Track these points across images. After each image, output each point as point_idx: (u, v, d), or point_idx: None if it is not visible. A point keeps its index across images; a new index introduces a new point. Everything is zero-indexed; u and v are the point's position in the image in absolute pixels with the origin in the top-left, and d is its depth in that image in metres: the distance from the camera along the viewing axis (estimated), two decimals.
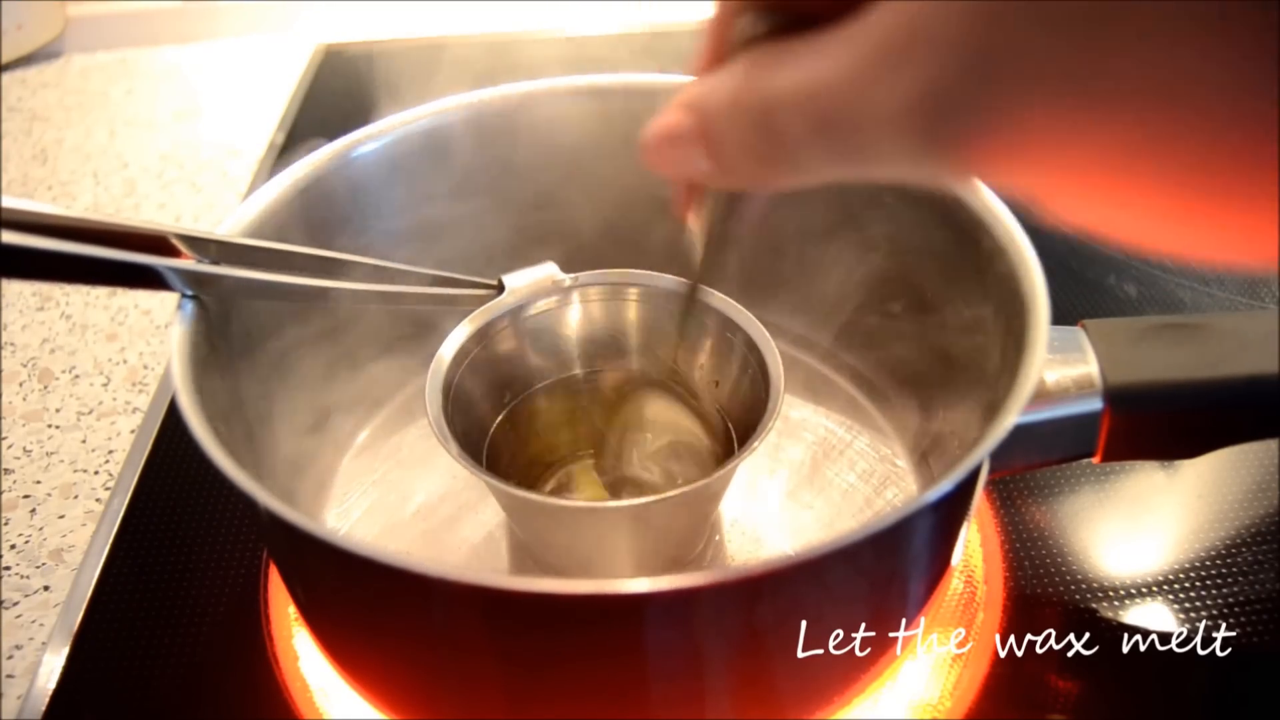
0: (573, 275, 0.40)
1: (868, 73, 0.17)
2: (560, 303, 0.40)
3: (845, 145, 0.18)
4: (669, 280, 0.39)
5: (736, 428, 0.38)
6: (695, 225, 0.28)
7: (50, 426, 0.52)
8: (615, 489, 0.39)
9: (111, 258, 0.30)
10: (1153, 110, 0.15)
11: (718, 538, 0.40)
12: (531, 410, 0.40)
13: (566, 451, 0.41)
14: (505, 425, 0.39)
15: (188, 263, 0.32)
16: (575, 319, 0.40)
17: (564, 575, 0.38)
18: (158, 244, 0.31)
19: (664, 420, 0.40)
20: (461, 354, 0.37)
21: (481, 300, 0.39)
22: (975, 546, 0.41)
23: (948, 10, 0.16)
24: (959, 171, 0.17)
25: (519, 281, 0.39)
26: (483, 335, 0.38)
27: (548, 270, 0.40)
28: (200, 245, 0.33)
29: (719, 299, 0.38)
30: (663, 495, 0.34)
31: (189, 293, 0.32)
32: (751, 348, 0.37)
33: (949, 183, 0.18)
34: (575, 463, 0.40)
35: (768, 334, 0.37)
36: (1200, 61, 0.14)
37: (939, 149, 0.17)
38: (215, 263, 0.33)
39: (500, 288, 0.39)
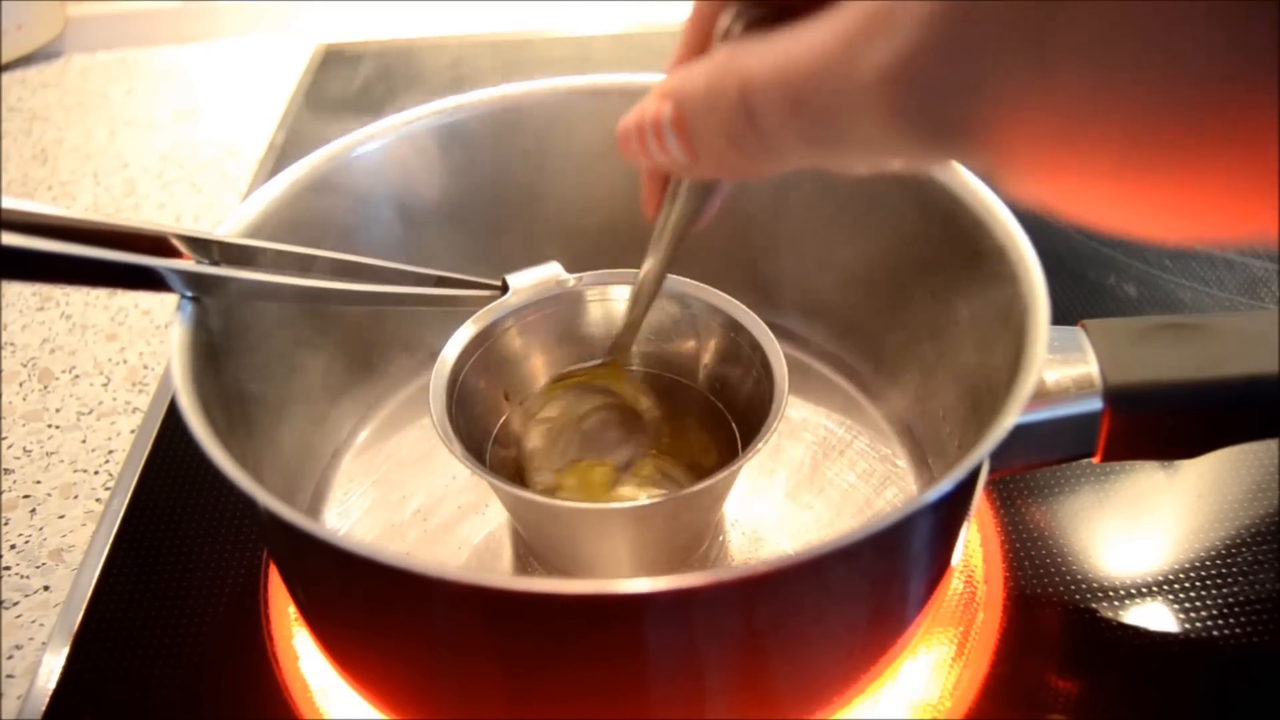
0: (577, 275, 0.40)
1: (840, 49, 0.17)
2: (564, 302, 0.40)
3: (820, 124, 0.18)
4: (673, 280, 0.39)
5: (740, 427, 0.38)
6: (660, 223, 0.28)
7: (50, 426, 0.52)
8: (619, 490, 0.39)
9: (111, 259, 0.30)
10: (1116, 76, 0.14)
11: (721, 538, 0.40)
12: (534, 409, 0.40)
13: (570, 451, 0.41)
14: (509, 423, 0.39)
15: (188, 264, 0.32)
16: (579, 319, 0.40)
17: (568, 576, 0.38)
18: (158, 245, 0.31)
19: (668, 420, 0.40)
20: (465, 354, 0.37)
21: (484, 301, 0.39)
22: (975, 546, 0.41)
23: None
24: (932, 148, 0.17)
25: (523, 281, 0.39)
26: (486, 335, 0.38)
27: (552, 270, 0.40)
28: (200, 246, 0.33)
29: (723, 299, 0.38)
30: (667, 496, 0.34)
31: (189, 294, 0.32)
32: (755, 347, 0.37)
33: (923, 163, 0.18)
34: (579, 463, 0.40)
35: (771, 334, 0.37)
36: (1171, 22, 0.14)
37: (912, 124, 0.17)
38: (216, 264, 0.33)
39: (504, 287, 0.39)
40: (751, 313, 0.37)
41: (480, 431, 0.38)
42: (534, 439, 0.40)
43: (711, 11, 0.22)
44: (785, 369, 0.35)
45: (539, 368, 0.40)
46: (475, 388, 0.38)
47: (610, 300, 0.40)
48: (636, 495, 0.38)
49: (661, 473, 0.39)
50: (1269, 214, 0.15)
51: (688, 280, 0.38)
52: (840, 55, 0.17)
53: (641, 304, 0.36)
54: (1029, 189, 0.17)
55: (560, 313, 0.40)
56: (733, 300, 0.38)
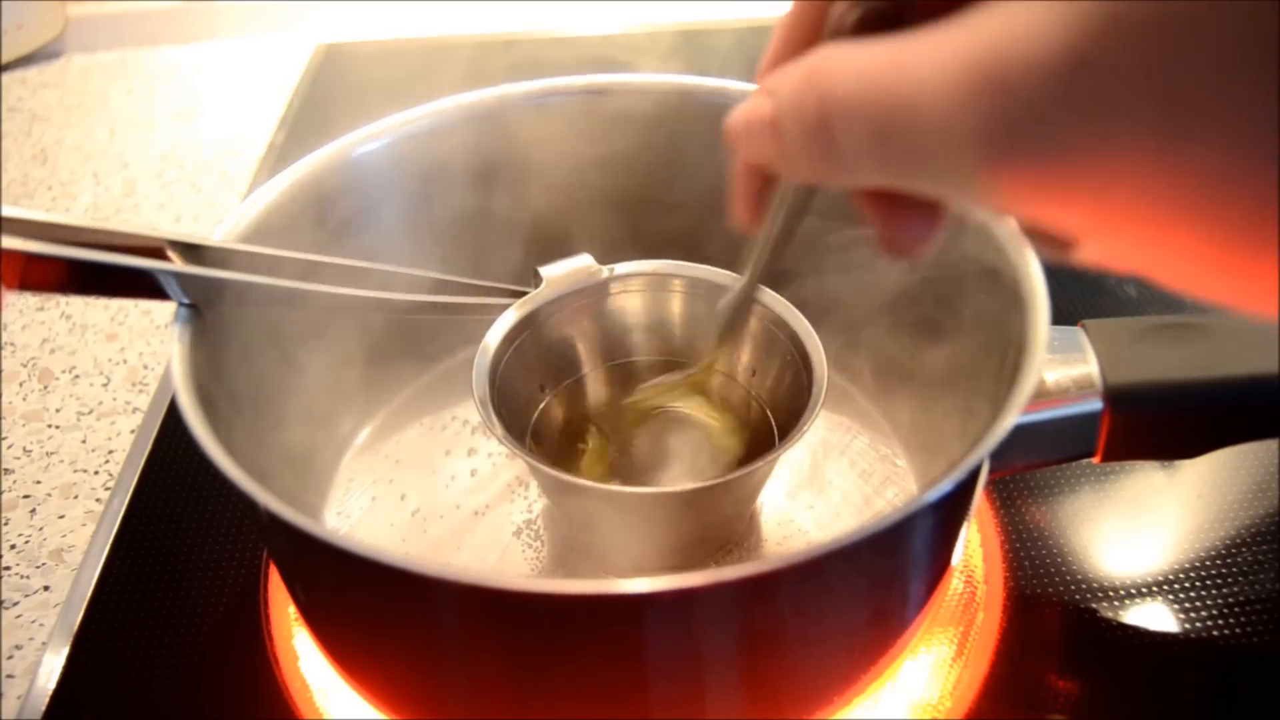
0: (609, 266, 0.40)
1: (944, 89, 0.16)
2: (598, 293, 0.40)
3: (902, 160, 0.17)
4: (706, 271, 0.39)
5: (776, 418, 0.38)
6: (753, 223, 0.27)
7: (50, 426, 0.52)
8: (655, 476, 0.39)
9: (109, 262, 0.30)
10: (1252, 152, 0.14)
11: (755, 535, 0.40)
12: (572, 398, 0.41)
13: (607, 439, 0.41)
14: (546, 412, 0.40)
15: (187, 268, 0.32)
16: (613, 309, 0.40)
17: (605, 561, 0.39)
18: (154, 253, 0.31)
19: (703, 410, 0.40)
20: (506, 341, 0.38)
21: (497, 310, 0.39)
22: (975, 546, 0.41)
23: (1046, 25, 0.15)
24: (1021, 203, 0.16)
25: (556, 272, 0.39)
26: (527, 323, 0.39)
27: (584, 261, 0.40)
28: (198, 253, 0.33)
29: (762, 291, 0.38)
30: (708, 482, 0.34)
31: (186, 301, 0.32)
32: (795, 340, 0.37)
33: (988, 209, 0.17)
34: (615, 450, 0.41)
35: (810, 326, 0.37)
36: None
37: (1009, 178, 0.16)
38: (214, 269, 0.33)
39: (538, 279, 0.39)
40: (790, 305, 0.38)
41: (520, 418, 0.38)
42: (571, 426, 0.41)
43: (822, 3, 0.21)
44: (825, 361, 0.36)
45: (576, 357, 0.41)
46: (515, 375, 0.38)
47: (643, 291, 0.40)
48: (671, 482, 0.38)
49: (697, 461, 0.40)
50: None
51: (726, 272, 0.39)
52: (942, 95, 0.16)
53: (736, 316, 0.36)
54: (1128, 255, 0.16)
55: (596, 304, 0.40)
56: (772, 293, 0.38)
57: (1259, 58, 0.13)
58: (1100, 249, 0.17)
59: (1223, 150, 0.14)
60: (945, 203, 0.21)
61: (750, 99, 0.21)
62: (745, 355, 0.40)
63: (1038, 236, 0.20)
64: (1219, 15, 0.14)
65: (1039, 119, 0.15)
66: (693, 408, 0.41)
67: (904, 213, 0.21)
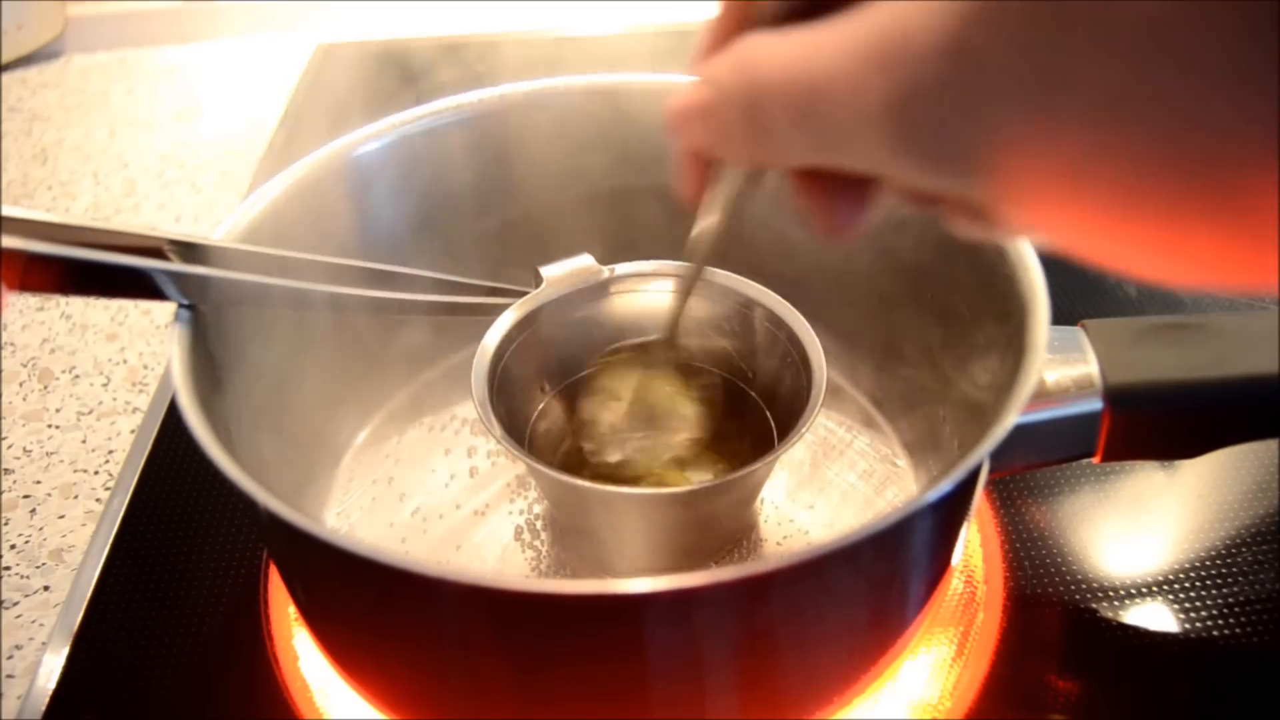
0: (609, 266, 0.40)
1: (850, 71, 0.17)
2: (599, 293, 0.40)
3: (822, 137, 0.19)
4: (707, 271, 0.39)
5: (775, 417, 0.38)
6: (689, 197, 0.27)
7: (50, 426, 0.52)
8: (655, 477, 0.39)
9: (108, 262, 0.30)
10: (1119, 126, 0.15)
11: (757, 529, 0.40)
12: (572, 399, 0.41)
13: (606, 440, 0.41)
14: (545, 413, 0.40)
15: (185, 268, 0.32)
16: (613, 309, 0.40)
17: (604, 562, 0.39)
18: (153, 253, 0.31)
19: (703, 409, 0.41)
20: (506, 341, 0.38)
21: (498, 310, 0.39)
22: (975, 546, 0.41)
23: (933, 14, 0.16)
24: (932, 175, 0.18)
25: (557, 272, 0.39)
26: (526, 324, 0.39)
27: (584, 261, 0.40)
28: (197, 253, 0.33)
29: (760, 291, 0.38)
30: (707, 483, 0.34)
31: (184, 302, 0.32)
32: (794, 341, 0.37)
33: (925, 185, 0.18)
34: (615, 451, 0.41)
35: (809, 325, 0.37)
36: (1182, 74, 0.14)
37: (913, 153, 0.17)
38: (213, 269, 0.33)
39: (538, 279, 0.39)
40: (789, 305, 0.38)
41: (519, 418, 0.38)
42: (571, 426, 0.40)
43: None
44: (824, 360, 0.36)
45: (576, 358, 0.41)
46: (514, 375, 0.38)
47: (644, 291, 0.40)
48: (672, 483, 0.38)
49: (697, 461, 0.40)
50: (1269, 267, 0.15)
51: (727, 273, 0.39)
52: (848, 75, 0.17)
53: (685, 284, 0.36)
54: (1029, 225, 0.18)
55: (596, 304, 0.40)
56: (770, 292, 0.38)
57: (1126, 40, 0.14)
58: (1013, 220, 0.18)
59: (1096, 125, 0.15)
60: (873, 185, 0.22)
61: (687, 88, 0.22)
62: (745, 354, 0.40)
63: (957, 210, 0.21)
64: (1091, 10, 0.14)
65: (928, 98, 0.16)
66: (693, 409, 0.41)
67: (834, 195, 0.22)
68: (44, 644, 0.39)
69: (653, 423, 0.42)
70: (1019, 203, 0.17)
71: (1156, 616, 0.38)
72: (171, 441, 0.48)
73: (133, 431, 0.51)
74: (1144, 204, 0.15)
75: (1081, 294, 0.53)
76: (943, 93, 0.16)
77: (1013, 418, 0.28)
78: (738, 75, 0.20)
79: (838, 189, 0.22)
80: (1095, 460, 0.35)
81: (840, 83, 0.18)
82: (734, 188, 0.27)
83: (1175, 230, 0.15)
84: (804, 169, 0.22)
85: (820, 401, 0.34)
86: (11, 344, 0.58)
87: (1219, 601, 0.39)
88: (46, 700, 0.37)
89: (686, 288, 0.36)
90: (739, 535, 0.39)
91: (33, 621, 0.42)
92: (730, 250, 0.34)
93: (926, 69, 0.16)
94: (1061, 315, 0.32)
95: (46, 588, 0.44)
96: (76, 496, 0.48)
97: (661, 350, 0.41)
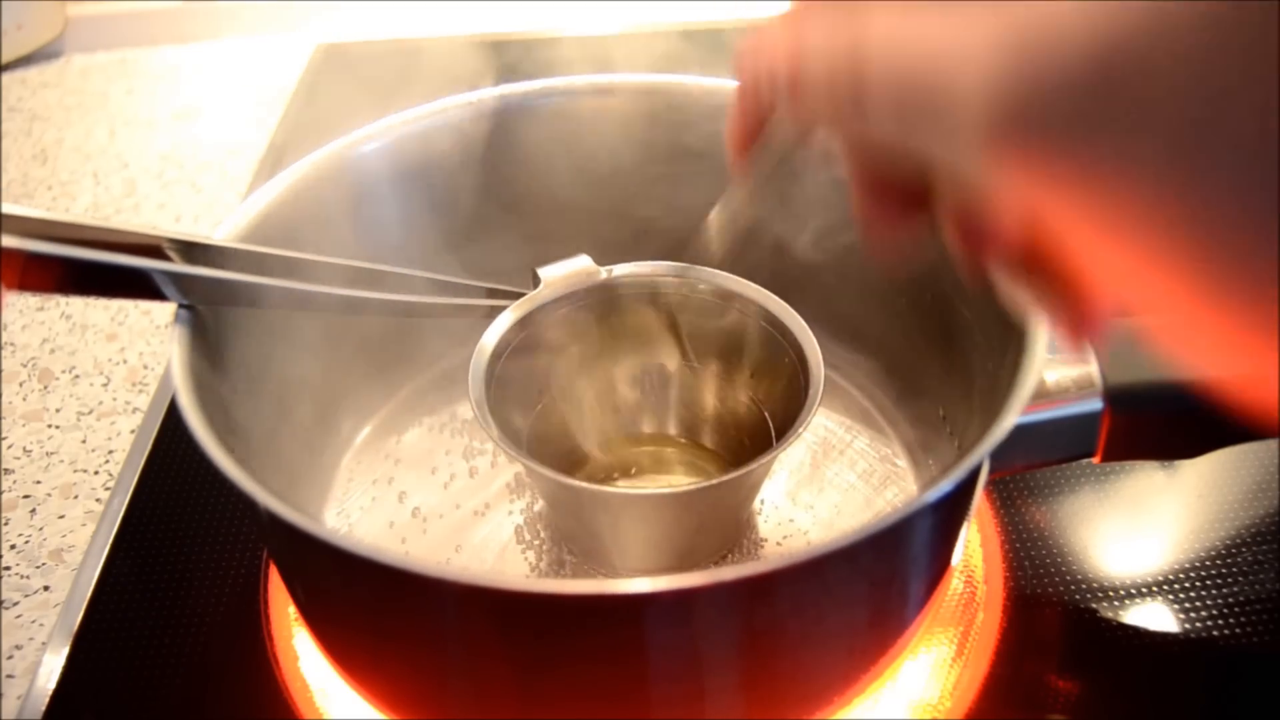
0: (608, 267, 0.40)
1: (971, 49, 0.16)
2: (596, 294, 0.40)
3: (917, 114, 0.17)
4: (706, 272, 0.39)
5: (773, 419, 0.38)
6: (736, 149, 0.26)
7: (50, 426, 0.52)
8: (652, 477, 0.39)
9: (108, 262, 0.30)
10: (1251, 209, 0.13)
11: (756, 529, 0.40)
12: (570, 400, 0.41)
13: (604, 441, 0.41)
14: (543, 414, 0.40)
15: (185, 269, 0.32)
16: (611, 310, 0.40)
17: (604, 562, 0.39)
18: (152, 252, 0.31)
19: (701, 410, 0.40)
20: (504, 342, 0.38)
21: (497, 311, 0.39)
22: (975, 546, 0.41)
23: (1089, 11, 0.14)
24: (1009, 180, 0.16)
25: (554, 273, 0.39)
26: (524, 325, 0.39)
27: (582, 263, 0.40)
28: (197, 252, 0.33)
29: (757, 290, 0.38)
30: (705, 483, 0.34)
31: (184, 302, 0.32)
32: (791, 341, 0.37)
33: (986, 183, 0.17)
34: (612, 451, 0.41)
35: (806, 326, 0.37)
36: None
37: (1012, 150, 0.16)
38: (213, 268, 0.33)
39: (536, 281, 0.39)
40: (785, 304, 0.38)
41: (517, 419, 0.38)
42: (569, 427, 0.41)
43: None
44: (821, 361, 0.36)
45: (574, 359, 0.41)
46: (512, 376, 0.38)
47: (641, 292, 0.40)
48: (670, 483, 0.38)
49: (695, 462, 0.40)
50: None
51: (725, 274, 0.39)
52: (965, 54, 0.16)
53: (724, 229, 0.35)
54: (1088, 259, 0.16)
55: (594, 305, 0.40)
56: (767, 292, 0.38)
57: None
58: (1089, 265, 0.16)
59: (1234, 198, 0.13)
60: (926, 203, 0.21)
61: (768, 27, 0.21)
62: (742, 355, 0.40)
63: (1006, 251, 0.20)
64: (1266, 56, 0.13)
65: (1058, 99, 0.15)
66: (691, 408, 0.41)
67: (893, 209, 0.21)
68: (44, 644, 0.39)
69: (650, 423, 0.42)
70: (1105, 243, 0.15)
71: (1156, 616, 0.38)
72: (171, 441, 0.48)
73: (133, 431, 0.51)
74: (1263, 312, 0.14)
75: None
76: (1074, 107, 0.15)
77: (1013, 418, 0.28)
78: (844, 35, 0.18)
79: (899, 203, 0.21)
80: (1095, 460, 0.35)
81: (956, 59, 0.16)
82: (783, 150, 0.25)
83: (1229, 301, 0.14)
84: (872, 174, 0.21)
85: (818, 402, 0.34)
86: (11, 344, 0.58)
87: (1219, 601, 0.39)
88: (46, 700, 0.37)
89: (723, 228, 0.35)
90: (737, 535, 0.39)
91: (33, 621, 0.42)
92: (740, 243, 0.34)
93: (1061, 72, 0.15)
94: None
95: (46, 588, 0.44)
96: (76, 496, 0.48)
97: (659, 351, 0.41)
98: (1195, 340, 0.15)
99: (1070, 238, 0.16)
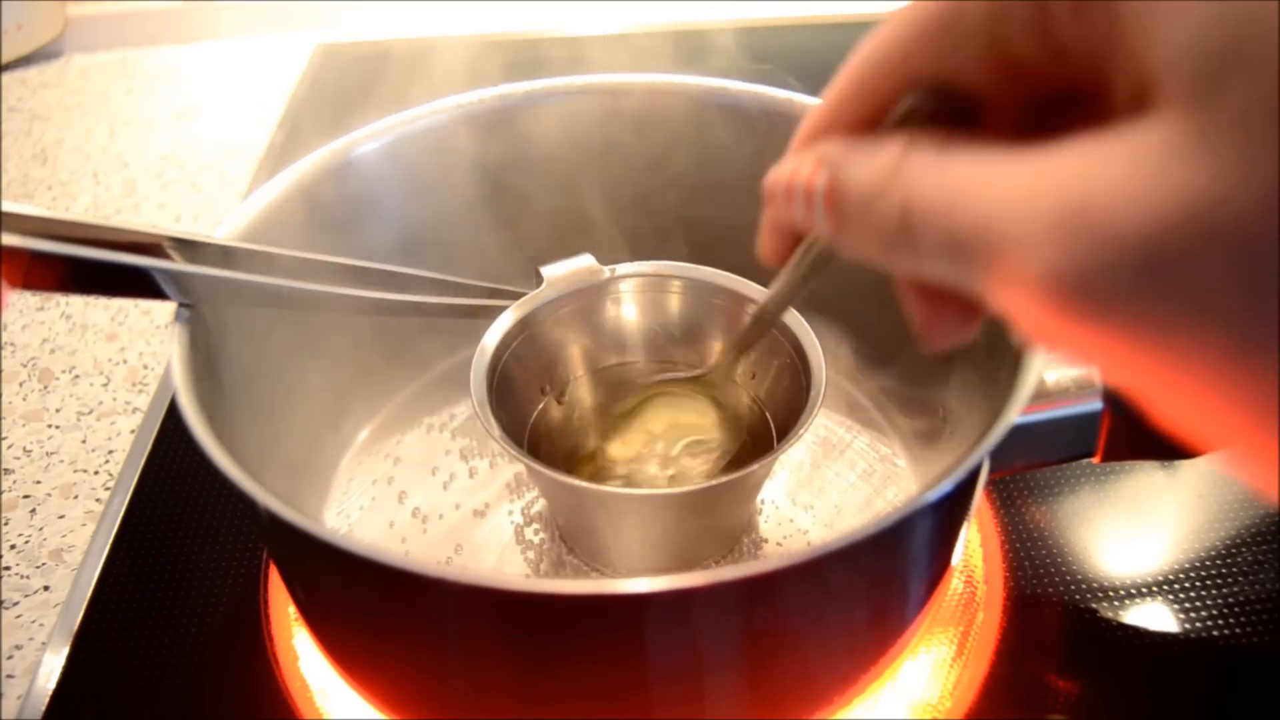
0: (610, 266, 0.40)
1: (1024, 222, 0.15)
2: (599, 294, 0.40)
3: (968, 270, 0.17)
4: (706, 272, 0.39)
5: (775, 419, 0.38)
6: (772, 263, 0.27)
7: (50, 426, 0.52)
8: (653, 478, 0.39)
9: (111, 260, 0.30)
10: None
11: (756, 529, 0.40)
12: (571, 399, 0.41)
13: (605, 440, 0.41)
14: (545, 413, 0.40)
15: (187, 267, 0.32)
16: (614, 310, 0.40)
17: (604, 562, 0.39)
18: (153, 250, 0.31)
19: (703, 411, 0.40)
20: (505, 342, 0.38)
21: (497, 312, 0.39)
22: (975, 546, 0.41)
23: (1138, 189, 0.14)
24: (1060, 344, 0.16)
25: (557, 272, 0.39)
26: (526, 324, 0.39)
27: (585, 261, 0.40)
28: (197, 250, 0.33)
29: (758, 290, 0.38)
30: (706, 483, 0.34)
31: (185, 302, 0.32)
32: (793, 341, 0.37)
33: (1047, 342, 0.17)
34: (614, 452, 0.41)
35: (808, 326, 0.37)
36: None
37: (1059, 322, 0.15)
38: (213, 267, 0.33)
39: (539, 279, 0.39)
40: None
41: (519, 419, 0.38)
42: (570, 427, 0.41)
43: (889, 85, 0.20)
44: (823, 362, 0.36)
45: (576, 358, 0.41)
46: (514, 376, 0.38)
47: (644, 292, 0.40)
48: (671, 484, 0.38)
49: (696, 462, 0.40)
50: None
51: (726, 274, 0.39)
52: (1018, 227, 0.15)
53: (753, 332, 0.36)
54: (1168, 413, 0.16)
55: (596, 305, 0.40)
56: (767, 292, 0.38)
57: None
58: (1149, 402, 0.16)
59: None
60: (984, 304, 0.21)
61: (793, 160, 0.21)
62: (746, 357, 0.40)
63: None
64: None
65: (1109, 283, 0.14)
66: (691, 409, 0.41)
67: (945, 306, 0.21)
68: (44, 644, 0.39)
69: (651, 423, 0.42)
70: (1181, 408, 0.15)
71: (1156, 616, 0.38)
72: (171, 441, 0.48)
73: (133, 431, 0.51)
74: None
75: None
76: (1121, 288, 0.14)
77: (1013, 418, 0.28)
78: (891, 186, 0.18)
79: (951, 302, 0.21)
80: (1095, 460, 0.35)
81: (1009, 229, 0.16)
82: (819, 260, 0.26)
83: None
84: (925, 288, 0.21)
85: (819, 402, 0.34)
86: (11, 344, 0.58)
87: (1219, 601, 0.39)
88: (46, 700, 0.37)
89: (749, 342, 0.36)
90: (737, 535, 0.39)
91: (33, 621, 0.42)
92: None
93: (1113, 257, 0.14)
94: None
95: (46, 588, 0.44)
96: (76, 496, 0.48)
97: (664, 356, 0.41)
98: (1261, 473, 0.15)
99: (1119, 380, 0.16)
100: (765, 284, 0.39)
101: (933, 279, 0.19)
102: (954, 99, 0.19)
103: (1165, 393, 0.15)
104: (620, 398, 0.41)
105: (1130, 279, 0.14)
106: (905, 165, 0.18)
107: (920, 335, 0.22)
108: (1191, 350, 0.14)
